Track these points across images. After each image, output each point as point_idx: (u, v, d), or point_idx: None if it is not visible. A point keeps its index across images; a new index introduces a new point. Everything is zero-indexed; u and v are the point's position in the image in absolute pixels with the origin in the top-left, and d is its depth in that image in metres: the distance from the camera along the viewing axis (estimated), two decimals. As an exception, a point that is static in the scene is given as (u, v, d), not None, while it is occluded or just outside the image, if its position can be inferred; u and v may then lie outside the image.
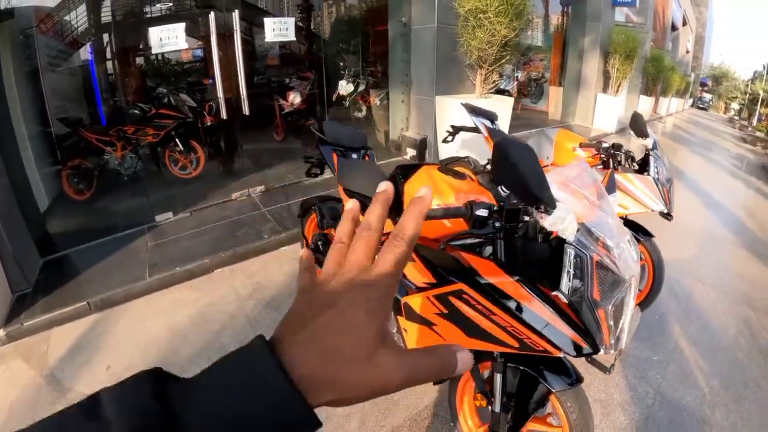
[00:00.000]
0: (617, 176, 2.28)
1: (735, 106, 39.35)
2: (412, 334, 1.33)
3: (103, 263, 2.96)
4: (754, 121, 23.19)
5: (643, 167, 2.38)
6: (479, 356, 1.32)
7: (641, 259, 2.21)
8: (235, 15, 3.47)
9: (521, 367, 1.23)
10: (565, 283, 0.99)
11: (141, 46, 4.95)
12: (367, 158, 2.18)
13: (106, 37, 4.52)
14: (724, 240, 4.00)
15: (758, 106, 23.00)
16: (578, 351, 1.01)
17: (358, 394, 0.27)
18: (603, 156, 2.38)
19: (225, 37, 3.67)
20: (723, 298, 2.87)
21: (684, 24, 21.83)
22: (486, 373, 1.33)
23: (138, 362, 2.17)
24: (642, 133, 2.42)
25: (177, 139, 4.23)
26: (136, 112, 4.20)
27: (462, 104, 3.15)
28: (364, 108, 6.27)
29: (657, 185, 2.27)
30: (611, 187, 2.10)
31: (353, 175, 1.90)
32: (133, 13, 4.84)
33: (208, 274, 2.94)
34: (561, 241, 1.04)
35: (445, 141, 3.27)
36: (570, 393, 1.19)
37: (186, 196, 4.05)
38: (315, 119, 5.56)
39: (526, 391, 1.25)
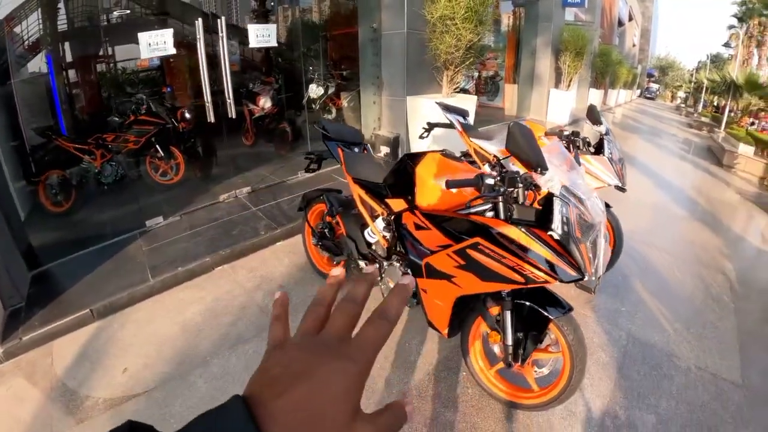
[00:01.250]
0: None
1: (681, 94, 41.42)
2: (433, 291, 1.62)
3: (98, 270, 2.92)
4: (700, 108, 24.75)
5: (598, 150, 2.80)
6: (487, 302, 1.62)
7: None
8: (221, 21, 3.57)
9: (526, 303, 1.53)
10: (555, 225, 1.29)
11: (121, 54, 4.90)
12: (365, 152, 2.45)
13: (82, 44, 4.46)
14: (676, 214, 4.53)
15: (703, 94, 24.52)
16: (569, 278, 1.31)
17: None
18: (564, 142, 2.77)
19: (212, 43, 3.74)
20: (678, 261, 3.31)
21: (630, 19, 23.37)
22: (496, 317, 1.62)
23: (155, 361, 2.16)
24: (597, 121, 2.88)
25: (157, 146, 4.21)
26: (116, 119, 4.15)
27: (437, 103, 3.44)
28: (333, 110, 6.45)
29: (611, 163, 2.68)
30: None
31: (358, 166, 2.19)
32: (107, 19, 4.79)
33: (209, 272, 2.99)
34: (549, 198, 1.35)
35: (421, 137, 3.53)
36: (565, 319, 1.51)
37: (172, 200, 4.06)
38: (286, 123, 5.72)
39: (530, 324, 1.55)
